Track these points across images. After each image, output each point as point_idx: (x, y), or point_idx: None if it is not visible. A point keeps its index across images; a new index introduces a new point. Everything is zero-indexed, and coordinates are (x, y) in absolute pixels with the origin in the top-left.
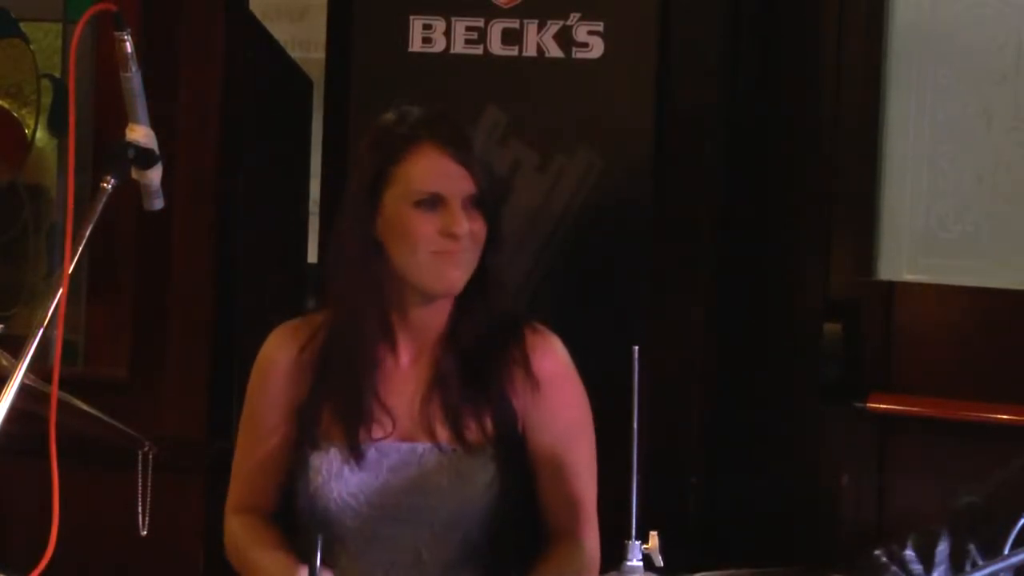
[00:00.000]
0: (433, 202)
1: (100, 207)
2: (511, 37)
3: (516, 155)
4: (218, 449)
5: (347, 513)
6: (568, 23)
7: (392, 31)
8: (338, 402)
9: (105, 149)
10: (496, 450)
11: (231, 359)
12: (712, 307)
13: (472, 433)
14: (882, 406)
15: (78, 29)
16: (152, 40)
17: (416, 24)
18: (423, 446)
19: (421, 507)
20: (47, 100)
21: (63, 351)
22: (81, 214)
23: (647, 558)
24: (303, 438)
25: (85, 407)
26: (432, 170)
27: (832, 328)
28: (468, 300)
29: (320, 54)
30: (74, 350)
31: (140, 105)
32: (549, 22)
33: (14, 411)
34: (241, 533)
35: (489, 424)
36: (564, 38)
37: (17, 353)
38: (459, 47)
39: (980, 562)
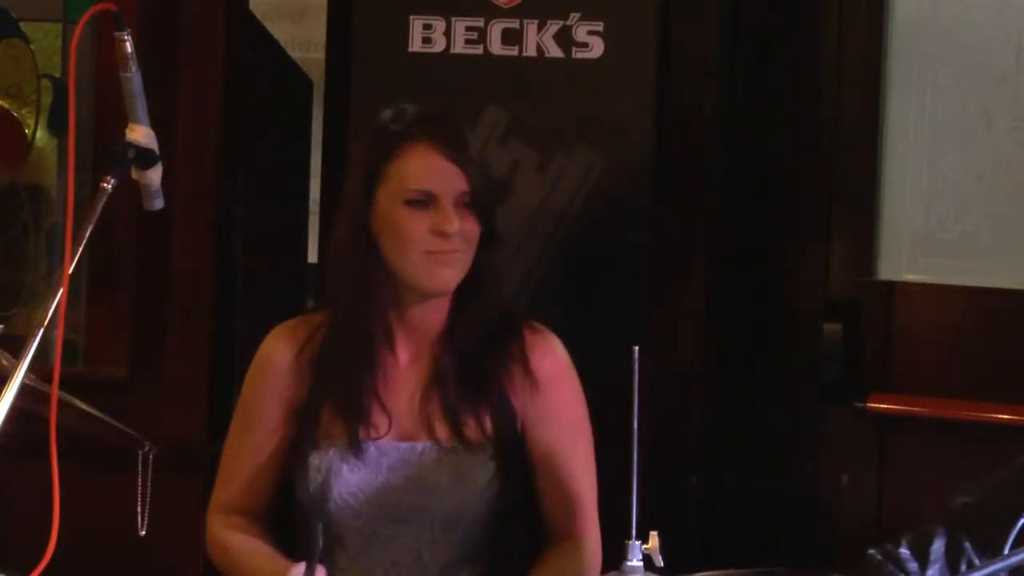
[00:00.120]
0: (425, 200)
1: (100, 207)
2: (511, 37)
3: (516, 155)
4: (218, 449)
5: (347, 512)
6: (568, 23)
7: (392, 31)
8: (337, 401)
9: (105, 149)
10: (495, 449)
11: (231, 359)
12: (712, 307)
13: (471, 431)
14: (882, 406)
15: (78, 29)
16: (152, 40)
17: (416, 24)
18: (423, 444)
19: (421, 506)
20: (47, 100)
21: (63, 351)
22: (81, 214)
23: (647, 558)
24: (302, 438)
25: (85, 407)
26: (424, 168)
27: (832, 328)
28: (465, 299)
29: (320, 54)
30: (74, 350)
31: (140, 105)
32: (549, 22)
33: (14, 411)
34: (231, 536)
35: (488, 423)
36: (564, 38)
37: (17, 353)
38: (459, 47)
39: (976, 560)
